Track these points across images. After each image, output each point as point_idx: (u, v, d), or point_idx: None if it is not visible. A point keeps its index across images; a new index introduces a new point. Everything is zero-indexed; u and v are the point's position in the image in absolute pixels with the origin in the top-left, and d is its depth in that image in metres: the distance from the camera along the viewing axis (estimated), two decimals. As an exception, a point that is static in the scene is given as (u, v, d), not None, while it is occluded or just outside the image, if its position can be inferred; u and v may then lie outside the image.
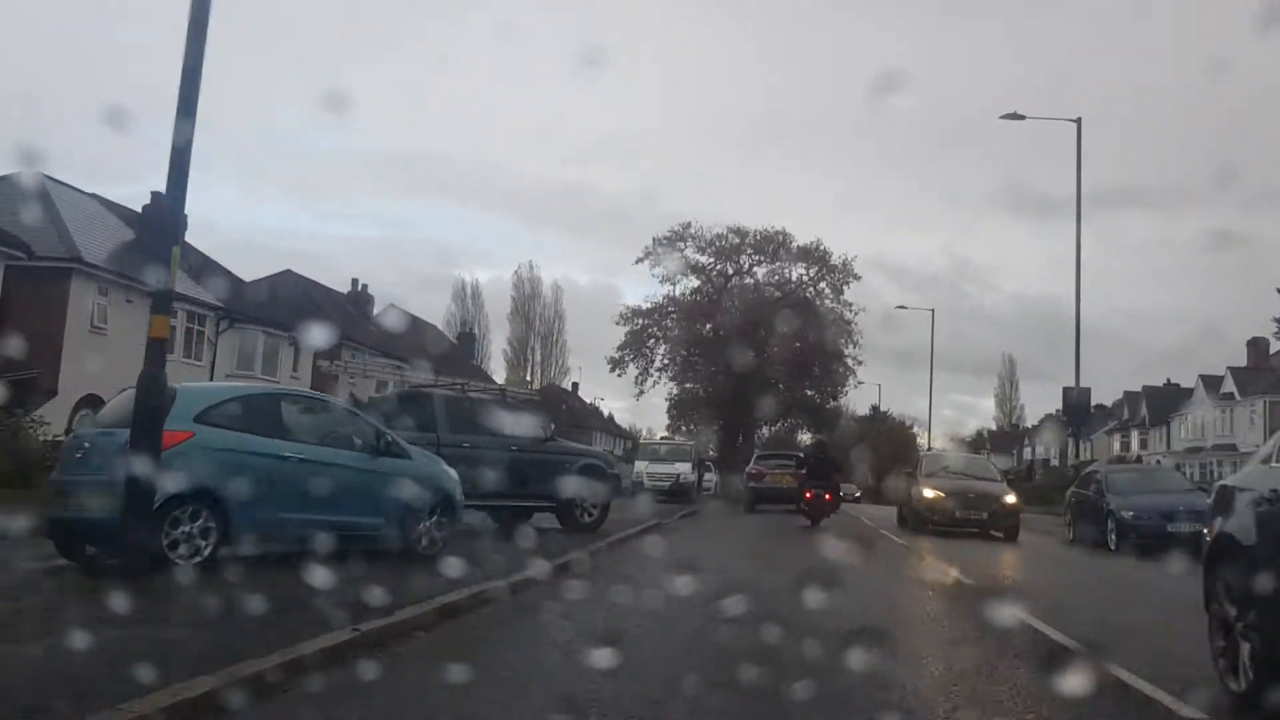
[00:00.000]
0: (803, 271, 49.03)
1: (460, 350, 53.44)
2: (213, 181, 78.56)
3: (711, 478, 42.90)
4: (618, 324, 47.79)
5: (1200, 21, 72.64)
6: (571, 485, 13.33)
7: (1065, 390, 30.67)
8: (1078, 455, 32.68)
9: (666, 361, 48.36)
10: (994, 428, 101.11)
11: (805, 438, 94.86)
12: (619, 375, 47.79)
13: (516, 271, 77.72)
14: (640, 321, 47.86)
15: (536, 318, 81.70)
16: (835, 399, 69.07)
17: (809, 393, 60.44)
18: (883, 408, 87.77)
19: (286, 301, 34.46)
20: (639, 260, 47.52)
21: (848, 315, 48.91)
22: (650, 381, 47.91)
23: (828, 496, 19.87)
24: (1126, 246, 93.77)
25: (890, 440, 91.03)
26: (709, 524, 20.61)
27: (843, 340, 49.91)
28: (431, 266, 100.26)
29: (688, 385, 55.05)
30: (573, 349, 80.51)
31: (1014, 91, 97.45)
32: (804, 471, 21.32)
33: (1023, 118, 31.79)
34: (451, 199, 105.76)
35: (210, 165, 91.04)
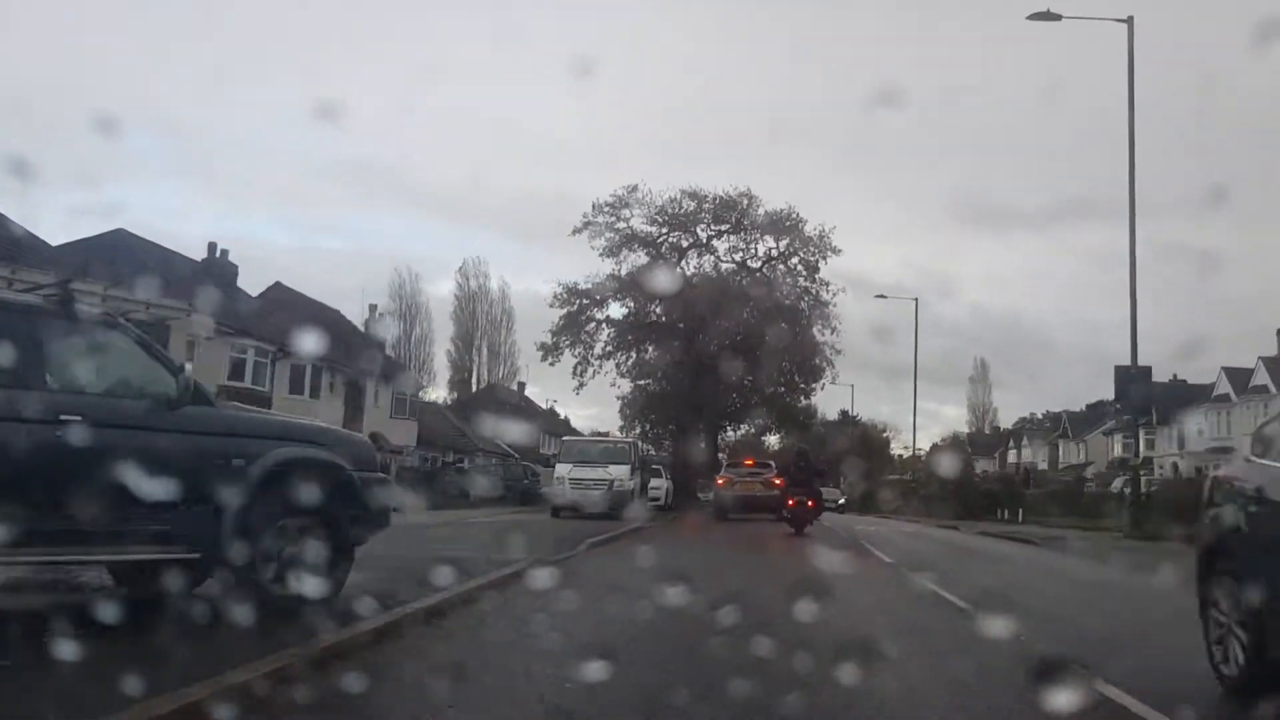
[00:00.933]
0: (772, 244, 41.30)
1: (366, 337, 45.21)
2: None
3: (662, 484, 35.15)
4: (552, 305, 40.09)
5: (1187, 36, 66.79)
6: (245, 512, 5.46)
7: (1118, 370, 23.19)
8: (1136, 454, 25.18)
9: (610, 349, 40.44)
10: (968, 431, 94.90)
11: (773, 441, 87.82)
12: (552, 364, 39.91)
13: (461, 268, 70.69)
14: (579, 302, 39.99)
15: (483, 316, 74.36)
16: (808, 396, 61.77)
17: (780, 389, 53.04)
18: (853, 411, 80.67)
19: (110, 265, 26.37)
20: (576, 231, 39.65)
21: (825, 296, 41.29)
22: (590, 372, 40.00)
23: (810, 503, 20.16)
24: (1090, 257, 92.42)
25: (864, 445, 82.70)
26: (637, 560, 12.31)
27: (819, 326, 42.29)
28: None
29: (641, 382, 47.51)
30: (526, 352, 73.69)
31: (982, 99, 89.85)
32: (780, 480, 21.73)
33: (1058, 17, 24.53)
34: (421, 212, 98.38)
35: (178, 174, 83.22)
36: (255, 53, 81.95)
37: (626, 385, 46.63)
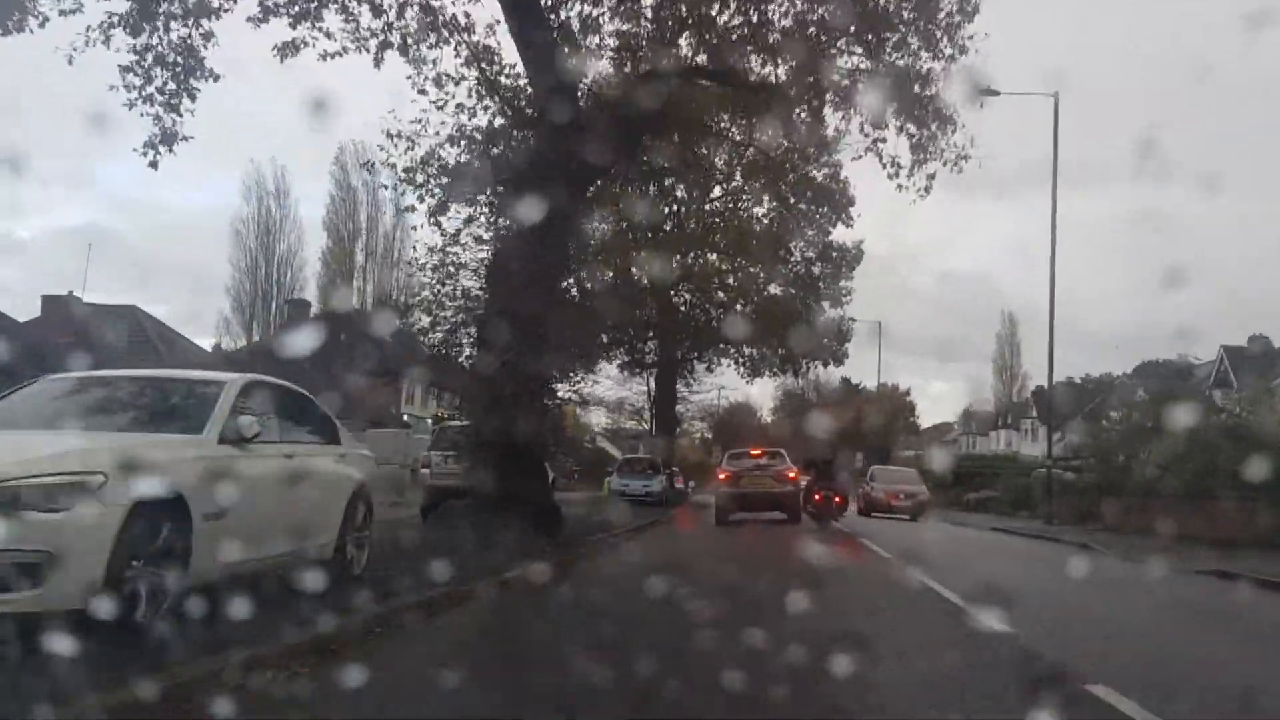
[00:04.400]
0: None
1: None
2: None
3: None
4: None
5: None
6: None
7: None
8: None
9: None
10: (992, 399, 78.35)
11: (768, 397, 65.98)
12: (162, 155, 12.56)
13: (337, 159, 48.14)
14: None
15: (366, 224, 51.97)
16: (840, 301, 35.24)
17: (783, 288, 27.42)
18: (880, 353, 61.25)
19: None
20: None
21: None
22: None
23: (837, 500, 20.00)
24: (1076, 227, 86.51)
25: (883, 410, 65.81)
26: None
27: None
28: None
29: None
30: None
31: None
32: (795, 474, 21.17)
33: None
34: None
35: None
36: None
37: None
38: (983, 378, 76.70)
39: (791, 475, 20.91)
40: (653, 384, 38.32)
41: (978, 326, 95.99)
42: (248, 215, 47.75)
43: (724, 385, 49.83)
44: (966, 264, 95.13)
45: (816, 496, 19.80)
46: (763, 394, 72.33)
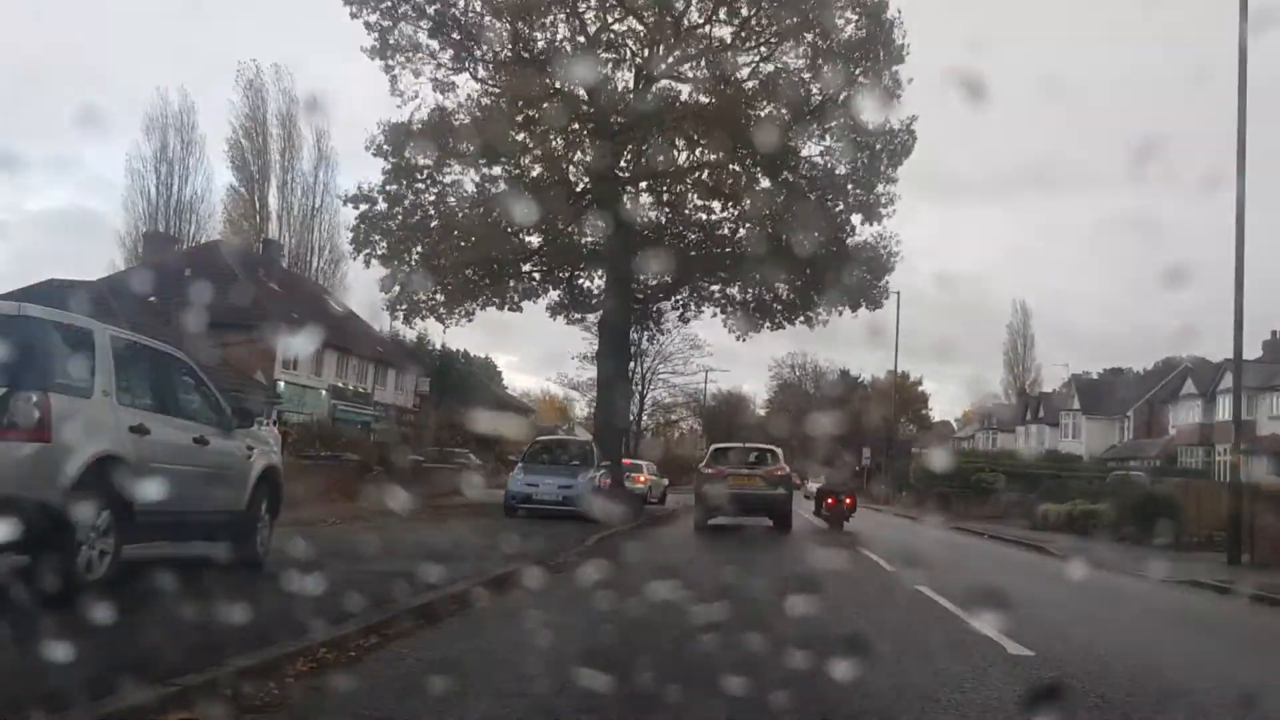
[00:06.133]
0: None
1: None
2: None
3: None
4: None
5: None
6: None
7: None
8: None
9: None
10: (1001, 394, 73.39)
11: (762, 391, 58.26)
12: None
13: (239, 76, 42.76)
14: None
15: (277, 158, 45.41)
16: (877, 214, 24.72)
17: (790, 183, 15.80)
18: (898, 324, 50.11)
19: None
20: None
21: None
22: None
23: (848, 500, 20.87)
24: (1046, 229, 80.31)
25: (896, 401, 60.57)
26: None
27: None
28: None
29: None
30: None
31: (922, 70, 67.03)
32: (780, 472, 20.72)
33: None
34: None
35: None
36: None
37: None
38: (986, 374, 75.66)
39: (784, 477, 20.37)
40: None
41: (971, 326, 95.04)
42: (149, 153, 42.31)
43: (711, 362, 39.53)
44: (955, 266, 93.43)
45: (830, 501, 20.90)
46: (757, 386, 69.95)
